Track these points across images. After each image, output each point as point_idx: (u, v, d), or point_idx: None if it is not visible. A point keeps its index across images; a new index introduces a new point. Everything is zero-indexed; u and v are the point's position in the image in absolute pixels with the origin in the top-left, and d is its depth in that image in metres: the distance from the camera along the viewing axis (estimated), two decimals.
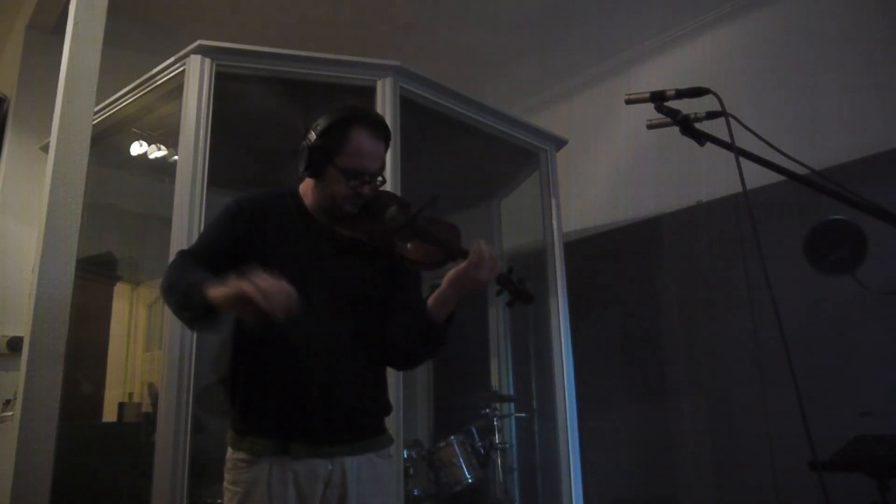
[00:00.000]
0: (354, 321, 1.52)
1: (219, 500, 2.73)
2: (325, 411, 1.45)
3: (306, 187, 1.62)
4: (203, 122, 2.65)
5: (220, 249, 1.50)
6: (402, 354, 1.57)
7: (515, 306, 1.51)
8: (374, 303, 1.56)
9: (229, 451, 1.50)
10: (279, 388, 1.45)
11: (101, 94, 2.70)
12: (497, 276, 1.47)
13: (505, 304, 1.52)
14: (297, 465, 1.43)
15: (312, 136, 1.52)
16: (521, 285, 1.50)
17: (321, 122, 1.52)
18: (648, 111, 1.43)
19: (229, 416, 1.52)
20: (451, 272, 1.45)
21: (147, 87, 2.94)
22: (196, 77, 2.68)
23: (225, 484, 1.48)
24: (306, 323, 1.41)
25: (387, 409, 1.61)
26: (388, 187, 2.36)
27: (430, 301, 1.48)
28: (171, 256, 2.46)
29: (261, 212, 1.56)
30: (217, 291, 1.25)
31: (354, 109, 1.54)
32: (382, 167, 1.58)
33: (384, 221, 1.54)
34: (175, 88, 2.82)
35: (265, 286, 1.20)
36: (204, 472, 2.67)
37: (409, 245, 1.51)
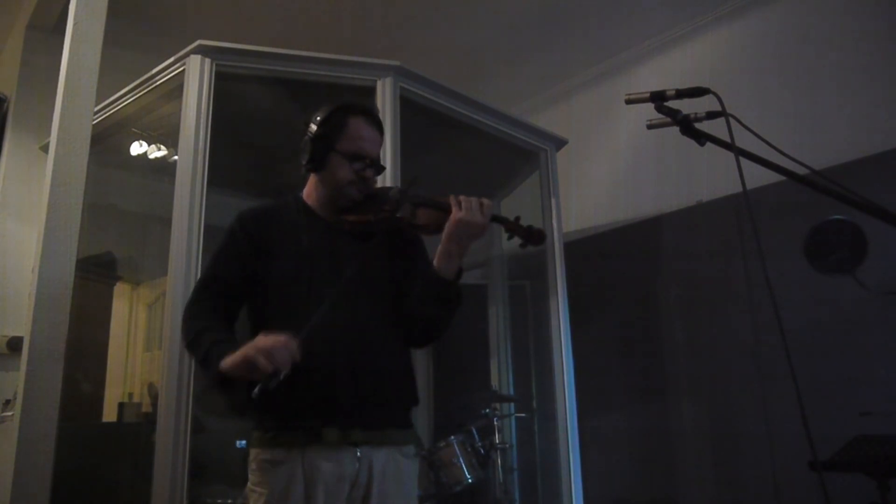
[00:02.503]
0: (373, 307, 1.55)
1: (219, 500, 2.73)
2: (355, 392, 1.46)
3: (309, 189, 1.66)
4: (203, 122, 2.65)
5: (232, 279, 1.56)
6: (420, 322, 1.58)
7: (529, 247, 1.61)
8: (389, 286, 1.60)
9: (254, 451, 1.49)
10: (304, 380, 1.42)
11: (101, 94, 2.70)
12: (504, 224, 1.60)
13: (518, 246, 1.62)
14: (325, 464, 1.42)
15: (313, 127, 1.59)
16: (530, 227, 1.60)
17: (319, 114, 1.60)
18: (648, 111, 1.43)
19: (251, 418, 1.52)
20: (446, 226, 1.52)
21: (147, 87, 2.94)
22: (196, 77, 2.68)
23: (249, 486, 1.47)
24: (326, 315, 1.43)
25: (414, 397, 1.62)
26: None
27: (436, 259, 1.53)
28: (172, 256, 2.50)
29: (264, 221, 1.60)
30: (227, 364, 1.35)
31: (349, 100, 1.63)
32: (379, 157, 1.66)
33: (388, 201, 1.59)
34: (175, 88, 2.82)
35: (268, 346, 1.31)
36: (204, 472, 2.67)
37: (414, 213, 1.58)
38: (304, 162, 1.60)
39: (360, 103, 1.65)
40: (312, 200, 1.64)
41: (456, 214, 1.50)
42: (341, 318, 1.47)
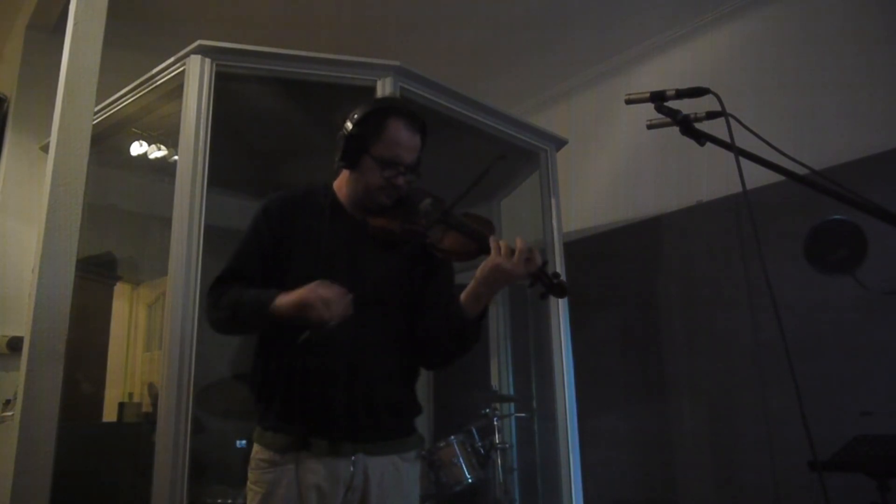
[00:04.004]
0: (383, 315, 1.51)
1: (219, 500, 2.73)
2: (347, 406, 1.44)
3: (341, 182, 1.62)
4: (203, 122, 2.65)
5: (253, 273, 1.53)
6: (432, 351, 1.56)
7: (547, 299, 1.51)
8: (404, 297, 1.55)
9: (254, 448, 1.49)
10: (302, 382, 1.44)
11: (101, 94, 2.70)
12: (531, 270, 1.46)
13: (538, 296, 1.52)
14: (318, 467, 1.41)
15: (349, 125, 1.53)
16: (556, 278, 1.49)
17: (358, 112, 1.54)
18: (648, 111, 1.43)
19: (255, 413, 1.52)
20: (481, 266, 1.44)
21: (147, 87, 2.93)
22: (196, 77, 2.68)
23: (248, 484, 1.48)
24: None
25: (415, 409, 1.59)
26: None
27: (462, 296, 1.46)
28: (172, 256, 2.50)
29: (290, 210, 1.57)
30: (283, 302, 1.38)
31: (392, 101, 1.61)
32: (418, 162, 1.58)
33: (418, 213, 1.53)
34: (175, 88, 2.81)
35: (328, 295, 1.34)
36: (204, 472, 2.67)
37: (441, 236, 1.50)
38: (336, 158, 1.56)
39: (401, 104, 1.59)
40: (342, 195, 1.60)
41: (495, 260, 1.40)
42: (348, 325, 1.44)
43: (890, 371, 2.92)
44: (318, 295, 1.33)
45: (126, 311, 4.18)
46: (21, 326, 3.04)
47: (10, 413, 2.72)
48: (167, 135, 3.44)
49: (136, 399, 3.90)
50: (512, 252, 1.41)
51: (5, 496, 2.04)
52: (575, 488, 3.32)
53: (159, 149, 3.60)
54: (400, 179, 1.53)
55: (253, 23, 4.08)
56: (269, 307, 1.39)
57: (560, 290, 1.49)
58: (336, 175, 1.63)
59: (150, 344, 4.16)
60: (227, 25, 4.02)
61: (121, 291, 4.01)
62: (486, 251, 1.45)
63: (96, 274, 3.64)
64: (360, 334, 1.47)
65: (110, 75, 2.63)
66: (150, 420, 3.07)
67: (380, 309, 1.51)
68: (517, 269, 1.40)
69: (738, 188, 1.40)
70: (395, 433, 1.53)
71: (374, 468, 1.45)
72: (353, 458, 1.43)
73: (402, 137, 1.52)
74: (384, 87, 2.86)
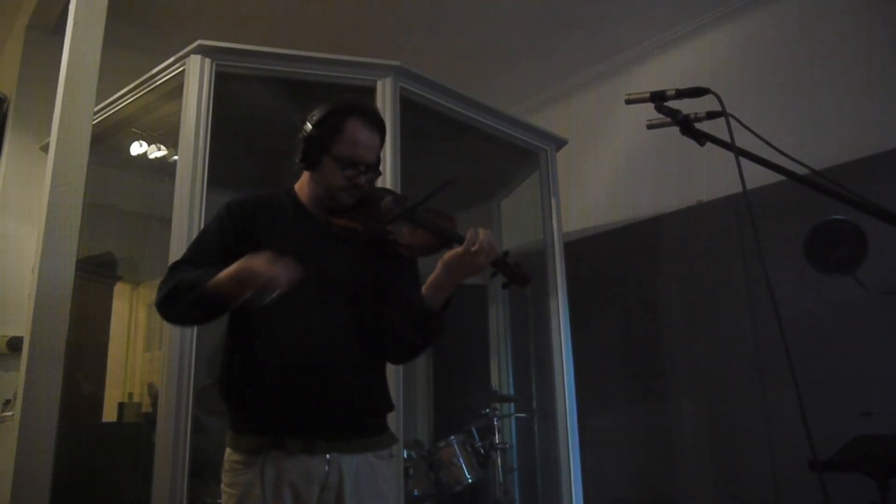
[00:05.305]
0: (350, 313, 1.51)
1: (218, 501, 2.73)
2: (320, 404, 1.44)
3: (302, 184, 1.63)
4: (203, 122, 2.65)
5: (211, 261, 1.50)
6: (397, 345, 1.55)
7: (511, 288, 1.52)
8: (370, 294, 1.55)
9: (227, 451, 1.49)
10: (273, 382, 1.43)
11: (101, 94, 2.70)
12: (493, 259, 1.47)
13: (501, 286, 1.53)
14: (292, 466, 1.41)
15: (308, 126, 1.54)
16: (518, 268, 1.50)
17: (316, 113, 1.55)
18: (648, 111, 1.43)
19: (227, 417, 1.52)
20: (445, 256, 1.44)
21: (147, 87, 2.94)
22: (196, 77, 2.68)
23: (222, 486, 1.47)
24: (301, 316, 1.43)
25: (387, 405, 1.59)
26: (387, 186, 2.36)
27: (424, 287, 1.46)
28: (172, 256, 2.50)
29: (252, 211, 1.57)
30: (221, 276, 1.33)
31: (350, 100, 1.58)
32: (378, 160, 1.59)
33: (379, 211, 1.55)
34: (175, 88, 2.82)
35: (265, 260, 1.30)
36: (203, 472, 2.67)
37: (404, 232, 1.52)
38: (297, 160, 1.57)
39: (359, 103, 1.59)
40: (304, 196, 1.61)
41: (457, 250, 1.41)
42: (316, 323, 1.46)
43: (890, 371, 2.92)
44: (259, 259, 1.30)
45: (126, 311, 4.18)
46: (21, 326, 3.04)
47: (10, 413, 2.72)
48: (167, 135, 3.44)
49: (136, 399, 3.90)
50: (472, 242, 1.41)
51: (5, 496, 2.04)
52: (575, 488, 3.32)
53: (159, 149, 3.60)
54: (361, 179, 1.54)
55: (253, 23, 4.09)
56: (206, 283, 1.35)
57: (522, 280, 1.50)
58: (297, 177, 1.64)
59: (150, 344, 4.15)
60: (227, 25, 4.02)
61: (121, 291, 4.01)
62: (448, 245, 1.47)
63: (96, 274, 3.64)
64: (329, 332, 1.47)
65: (110, 75, 2.63)
66: (150, 420, 3.07)
67: (348, 307, 1.51)
68: (477, 258, 1.40)
69: (738, 188, 1.40)
70: (369, 430, 1.53)
71: (348, 466, 1.45)
72: (327, 456, 1.43)
73: (361, 137, 1.53)
74: (384, 87, 2.86)
